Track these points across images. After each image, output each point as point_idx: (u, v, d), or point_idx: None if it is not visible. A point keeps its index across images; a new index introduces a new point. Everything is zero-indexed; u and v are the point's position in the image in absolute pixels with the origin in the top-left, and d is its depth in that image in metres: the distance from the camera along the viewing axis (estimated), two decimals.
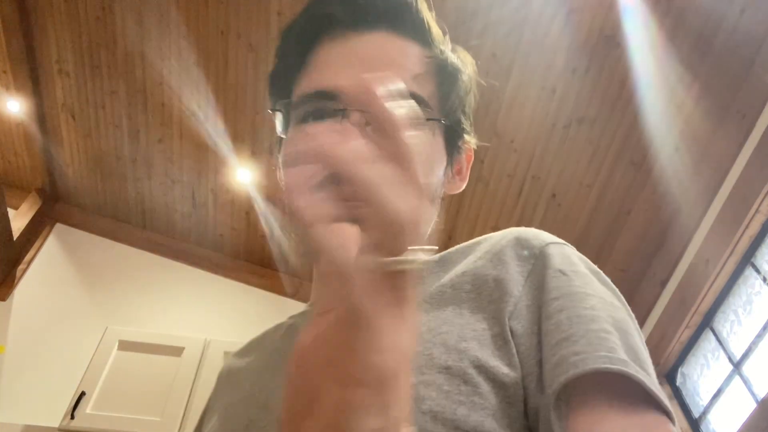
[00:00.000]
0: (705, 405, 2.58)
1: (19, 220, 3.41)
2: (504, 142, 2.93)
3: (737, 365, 2.45)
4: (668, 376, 2.85)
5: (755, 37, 2.45)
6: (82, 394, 2.45)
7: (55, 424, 2.41)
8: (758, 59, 2.48)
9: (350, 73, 0.50)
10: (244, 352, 0.65)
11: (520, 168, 2.99)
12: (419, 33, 0.57)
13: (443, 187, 0.58)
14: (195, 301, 3.45)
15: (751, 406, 2.27)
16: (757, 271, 2.46)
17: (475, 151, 0.66)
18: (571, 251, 0.53)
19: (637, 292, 3.11)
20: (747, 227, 2.45)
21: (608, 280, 0.51)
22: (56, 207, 3.68)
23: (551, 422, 0.40)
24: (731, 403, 2.43)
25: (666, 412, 0.41)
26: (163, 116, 3.31)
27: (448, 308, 0.48)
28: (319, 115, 0.51)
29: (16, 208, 3.50)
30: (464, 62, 0.61)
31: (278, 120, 0.55)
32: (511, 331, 0.46)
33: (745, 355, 2.42)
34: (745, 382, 2.37)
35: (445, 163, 0.57)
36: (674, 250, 2.91)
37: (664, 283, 2.97)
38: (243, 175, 3.39)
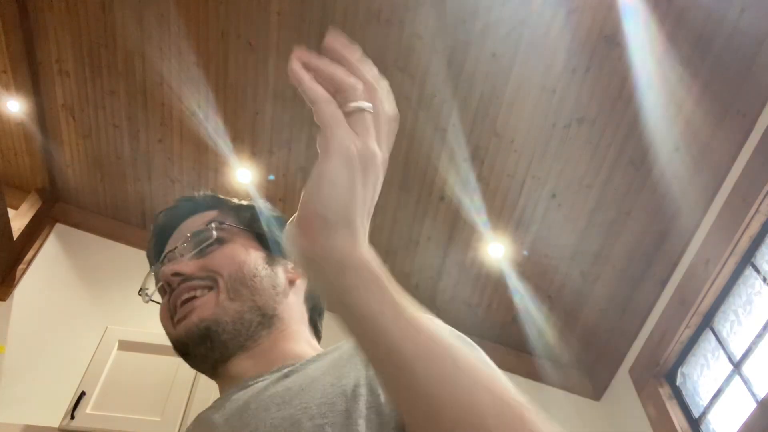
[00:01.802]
0: (705, 405, 2.58)
1: (19, 220, 3.41)
2: (504, 142, 2.93)
3: (737, 365, 2.45)
4: (668, 376, 2.85)
5: (755, 37, 2.45)
6: (82, 394, 2.45)
7: (55, 424, 2.41)
8: (758, 59, 2.49)
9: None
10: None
11: (520, 168, 2.99)
12: (207, 206, 0.82)
13: (279, 271, 0.76)
14: None
15: (751, 406, 2.27)
16: (757, 271, 2.46)
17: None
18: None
19: (637, 292, 3.11)
20: (747, 227, 2.45)
21: (469, 340, 0.63)
22: (56, 207, 3.68)
23: None
24: (731, 403, 2.43)
25: None
26: (163, 116, 3.31)
27: (344, 367, 0.60)
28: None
29: (16, 208, 3.50)
30: (251, 205, 0.84)
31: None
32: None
33: (745, 355, 2.42)
34: (745, 382, 2.37)
35: (263, 257, 0.75)
36: (674, 250, 2.91)
37: (664, 283, 2.97)
38: (243, 175, 3.39)
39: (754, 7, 2.40)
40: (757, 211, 2.42)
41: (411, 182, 3.14)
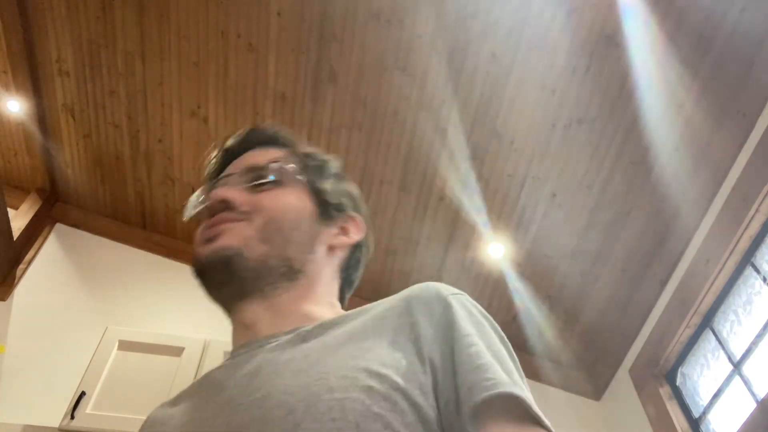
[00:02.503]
0: (705, 405, 2.58)
1: (19, 220, 3.41)
2: (504, 142, 2.93)
3: (737, 365, 2.45)
4: (668, 376, 2.85)
5: (755, 37, 2.45)
6: (82, 394, 2.45)
7: (55, 424, 2.41)
8: (758, 59, 2.49)
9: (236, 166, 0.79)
10: (172, 403, 0.68)
11: (520, 168, 2.99)
12: (275, 143, 0.81)
13: (324, 233, 0.74)
14: (195, 301, 3.41)
15: (751, 406, 2.27)
16: (757, 271, 2.46)
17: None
18: (469, 301, 0.64)
19: (637, 292, 3.11)
20: (747, 227, 2.45)
21: (495, 324, 0.63)
22: (56, 207, 3.68)
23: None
24: (731, 403, 2.43)
25: (546, 429, 0.53)
26: (163, 116, 3.31)
27: (368, 341, 0.58)
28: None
29: (16, 208, 3.49)
30: (320, 155, 0.82)
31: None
32: (431, 363, 0.56)
33: (745, 355, 2.42)
34: (745, 382, 2.37)
35: (312, 213, 0.74)
36: (674, 250, 2.91)
37: (664, 283, 2.97)
38: None
39: (754, 7, 2.40)
40: (757, 211, 2.42)
41: (411, 182, 3.14)
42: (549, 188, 3.00)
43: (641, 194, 2.89)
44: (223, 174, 0.77)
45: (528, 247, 3.18)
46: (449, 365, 0.55)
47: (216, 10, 2.92)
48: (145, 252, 3.65)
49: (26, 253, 3.39)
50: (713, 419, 2.52)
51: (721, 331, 2.61)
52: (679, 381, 2.80)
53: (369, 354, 0.55)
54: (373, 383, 0.52)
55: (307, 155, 0.79)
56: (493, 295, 3.38)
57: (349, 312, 0.66)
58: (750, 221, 2.44)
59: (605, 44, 2.60)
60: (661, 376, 2.86)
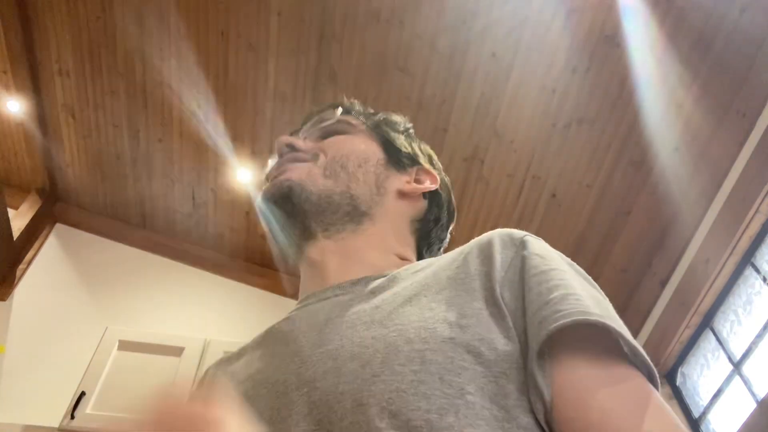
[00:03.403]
0: (705, 405, 2.57)
1: (19, 220, 3.41)
2: (504, 142, 2.93)
3: (737, 365, 2.45)
4: (668, 376, 2.85)
5: (755, 37, 2.45)
6: (82, 394, 2.45)
7: (55, 424, 2.41)
8: (758, 59, 2.48)
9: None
10: (234, 357, 0.65)
11: (520, 168, 2.99)
12: (351, 111, 0.79)
13: (393, 178, 0.73)
14: (195, 301, 3.45)
15: (751, 406, 2.27)
16: (757, 271, 2.46)
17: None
18: (545, 244, 0.59)
19: (637, 292, 3.11)
20: (747, 227, 2.45)
21: (579, 268, 0.57)
22: (56, 207, 3.68)
23: (536, 375, 0.45)
24: (731, 403, 2.43)
25: (647, 369, 0.47)
26: (163, 116, 3.31)
27: (444, 291, 0.53)
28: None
29: (16, 208, 3.50)
30: (386, 115, 0.82)
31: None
32: (507, 308, 0.51)
33: (745, 355, 2.42)
34: (745, 382, 2.37)
35: (381, 158, 0.73)
36: (674, 250, 2.91)
37: (664, 283, 2.97)
38: (243, 175, 3.39)
39: (754, 7, 2.40)
40: (757, 211, 2.41)
41: None
42: (549, 188, 3.00)
43: (641, 194, 2.89)
44: (294, 130, 0.80)
45: None
46: (520, 306, 0.50)
47: (216, 10, 2.92)
48: (145, 252, 3.65)
49: (26, 253, 3.39)
50: (713, 419, 2.52)
51: (721, 331, 2.61)
52: (679, 381, 2.80)
53: (446, 304, 0.52)
54: (455, 334, 0.48)
55: (371, 113, 0.79)
56: None
57: (420, 262, 0.63)
58: (750, 221, 2.44)
59: (605, 44, 2.60)
60: (661, 376, 2.86)
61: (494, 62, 2.75)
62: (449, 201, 0.79)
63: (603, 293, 0.54)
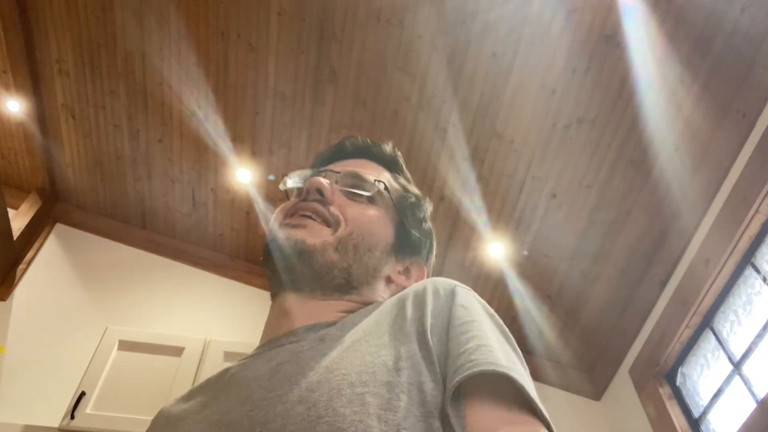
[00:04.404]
0: (705, 405, 2.57)
1: (19, 220, 3.41)
2: (504, 142, 2.93)
3: (737, 365, 2.45)
4: (668, 376, 2.85)
5: (755, 37, 2.45)
6: (82, 394, 2.45)
7: (55, 424, 2.41)
8: (758, 59, 2.48)
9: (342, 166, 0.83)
10: (185, 398, 0.70)
11: (520, 168, 2.99)
12: (386, 164, 0.85)
13: (390, 265, 0.77)
14: (195, 301, 3.45)
15: (751, 406, 2.27)
16: (757, 271, 2.46)
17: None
18: (472, 295, 0.66)
19: (637, 292, 3.11)
20: (747, 227, 2.45)
21: (500, 320, 0.65)
22: (56, 207, 3.68)
23: (449, 416, 0.51)
24: (731, 403, 2.43)
25: (541, 418, 0.52)
26: (163, 116, 3.31)
27: (383, 336, 0.60)
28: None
29: (16, 208, 3.50)
30: (419, 194, 0.86)
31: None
32: (436, 353, 0.57)
33: (745, 355, 2.42)
34: (745, 382, 2.37)
35: (389, 243, 0.77)
36: (674, 250, 2.91)
37: (664, 283, 2.97)
38: (243, 175, 3.39)
39: (754, 7, 2.40)
40: (757, 211, 2.41)
41: None
42: (549, 188, 3.00)
43: (641, 194, 2.89)
44: (329, 167, 0.81)
45: (528, 247, 3.18)
46: (444, 351, 0.57)
47: (216, 10, 2.92)
48: (145, 252, 3.65)
49: (26, 253, 3.39)
50: (713, 419, 2.52)
51: (721, 331, 2.61)
52: (679, 381, 2.80)
53: (386, 349, 0.58)
54: (392, 378, 0.54)
55: (406, 189, 0.83)
56: (493, 296, 3.38)
57: (361, 310, 0.69)
58: (750, 221, 2.44)
59: (605, 44, 2.60)
60: (661, 376, 2.86)
61: (494, 62, 2.75)
62: None
63: (515, 345, 0.63)
